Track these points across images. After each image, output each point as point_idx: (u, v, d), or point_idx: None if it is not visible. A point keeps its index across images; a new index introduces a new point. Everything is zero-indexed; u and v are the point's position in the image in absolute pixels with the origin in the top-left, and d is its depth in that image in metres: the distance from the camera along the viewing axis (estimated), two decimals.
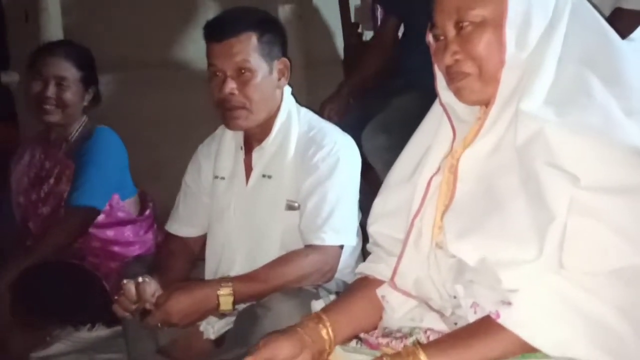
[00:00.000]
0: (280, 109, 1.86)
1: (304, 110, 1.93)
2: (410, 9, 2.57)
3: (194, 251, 1.99)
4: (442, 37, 1.20)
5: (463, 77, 1.18)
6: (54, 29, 3.15)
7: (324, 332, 1.25)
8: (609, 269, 1.03)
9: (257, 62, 1.78)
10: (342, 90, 2.73)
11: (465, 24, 1.16)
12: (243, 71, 1.77)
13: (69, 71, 2.40)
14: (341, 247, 1.79)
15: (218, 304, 1.65)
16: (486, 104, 1.20)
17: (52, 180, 2.43)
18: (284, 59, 1.86)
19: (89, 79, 2.46)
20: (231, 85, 1.77)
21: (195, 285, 1.70)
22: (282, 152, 1.84)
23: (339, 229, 1.77)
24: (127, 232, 2.48)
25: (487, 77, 1.16)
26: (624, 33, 1.32)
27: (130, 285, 1.63)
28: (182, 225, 1.99)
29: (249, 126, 1.83)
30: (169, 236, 2.01)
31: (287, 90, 1.90)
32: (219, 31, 1.79)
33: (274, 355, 1.19)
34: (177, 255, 1.94)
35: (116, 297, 1.67)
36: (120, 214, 2.46)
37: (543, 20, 1.16)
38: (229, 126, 1.85)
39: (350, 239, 1.81)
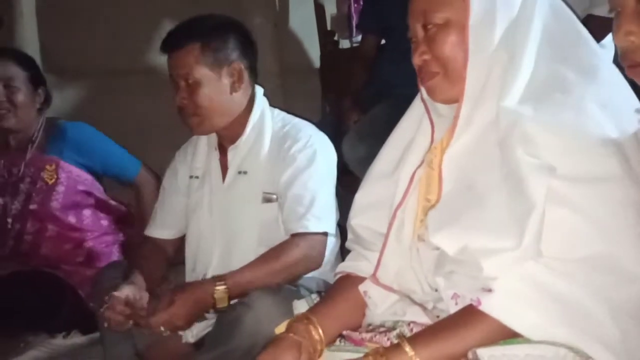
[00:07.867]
0: (253, 110, 1.90)
1: (277, 110, 1.97)
2: (385, 26, 2.75)
3: (169, 253, 2.02)
4: (414, 39, 1.26)
5: (431, 77, 1.23)
6: (29, 35, 3.12)
7: (314, 333, 1.26)
8: (581, 255, 1.06)
9: (202, 72, 1.81)
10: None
11: (430, 26, 1.21)
12: (190, 81, 1.81)
13: (15, 72, 2.37)
14: (325, 234, 1.81)
15: (214, 302, 1.69)
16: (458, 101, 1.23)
17: (27, 181, 2.40)
18: (236, 64, 1.85)
19: (37, 80, 2.43)
20: (181, 95, 1.83)
21: (192, 287, 1.74)
22: (257, 147, 1.88)
23: (321, 217, 1.81)
24: (103, 220, 2.51)
25: (453, 76, 1.21)
26: (595, 39, 1.38)
27: (118, 299, 1.71)
28: (157, 228, 2.03)
29: (208, 130, 1.89)
30: (145, 239, 2.04)
31: (259, 91, 1.93)
32: (166, 44, 1.85)
33: None
34: (151, 256, 1.98)
35: (103, 311, 1.72)
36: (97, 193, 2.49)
37: (507, 19, 1.19)
38: (192, 131, 1.91)
39: (331, 227, 1.84)
